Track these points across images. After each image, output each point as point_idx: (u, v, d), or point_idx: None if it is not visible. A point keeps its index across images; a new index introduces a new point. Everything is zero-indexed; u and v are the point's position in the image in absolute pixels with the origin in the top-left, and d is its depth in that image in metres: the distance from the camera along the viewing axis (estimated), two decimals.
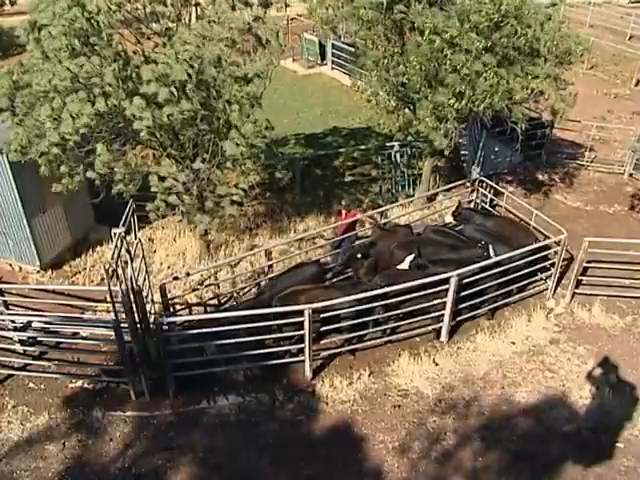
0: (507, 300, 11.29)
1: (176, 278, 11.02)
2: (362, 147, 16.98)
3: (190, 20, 10.57)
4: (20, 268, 12.24)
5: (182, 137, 10.21)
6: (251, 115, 9.57)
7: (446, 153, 12.78)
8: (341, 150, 17.07)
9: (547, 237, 11.65)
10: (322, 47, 24.67)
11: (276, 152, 10.58)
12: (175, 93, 8.96)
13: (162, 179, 10.27)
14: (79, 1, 9.33)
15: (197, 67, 9.10)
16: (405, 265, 10.80)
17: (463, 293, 10.29)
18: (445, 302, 10.07)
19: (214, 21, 9.62)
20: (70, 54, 9.27)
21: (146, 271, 10.84)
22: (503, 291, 11.03)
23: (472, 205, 13.66)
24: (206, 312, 11.03)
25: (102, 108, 9.08)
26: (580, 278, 11.42)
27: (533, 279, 11.74)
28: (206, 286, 11.43)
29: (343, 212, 12.30)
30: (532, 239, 11.63)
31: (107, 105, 9.08)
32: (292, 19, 25.42)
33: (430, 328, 10.58)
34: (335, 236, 12.34)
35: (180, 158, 10.64)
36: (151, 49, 10.47)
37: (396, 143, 15.35)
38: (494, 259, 10.54)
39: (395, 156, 15.53)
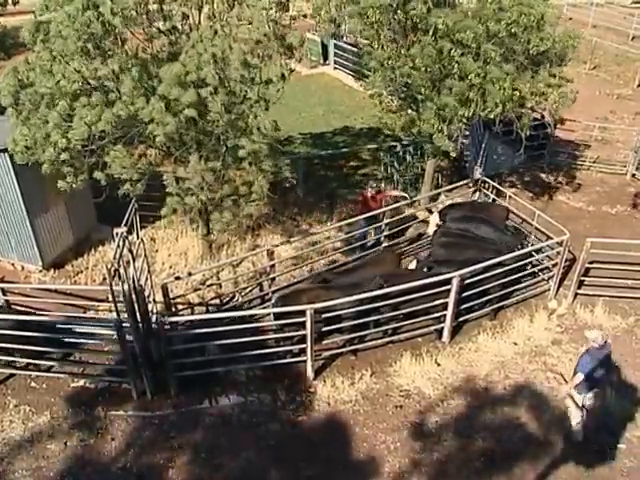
0: (509, 300, 11.28)
1: (178, 278, 11.03)
2: (364, 147, 16.97)
3: (200, 19, 10.50)
4: (22, 267, 12.25)
5: (185, 137, 10.16)
6: (260, 116, 9.51)
7: (453, 155, 12.76)
8: (344, 150, 17.07)
9: (549, 237, 11.64)
10: (324, 47, 24.70)
11: (281, 151, 10.50)
12: (202, 96, 8.88)
13: (177, 180, 10.12)
14: (94, 3, 9.23)
15: (223, 69, 9.03)
16: (412, 265, 10.89)
17: (465, 293, 10.30)
18: (447, 303, 10.07)
19: (240, 20, 9.53)
20: (83, 57, 9.20)
21: (148, 271, 10.85)
22: (505, 291, 11.05)
23: None
24: (208, 312, 11.04)
25: (124, 114, 9.00)
26: (582, 279, 11.40)
27: (535, 280, 11.75)
28: (208, 286, 11.44)
29: (368, 192, 12.53)
30: (505, 211, 12.55)
31: (129, 110, 8.99)
32: (294, 19, 25.40)
33: (432, 328, 10.58)
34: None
35: (183, 158, 10.58)
36: (159, 48, 10.42)
37: (398, 143, 15.33)
38: (496, 259, 10.52)
39: (397, 156, 15.50)
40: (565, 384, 9.02)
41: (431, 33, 11.00)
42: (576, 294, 11.43)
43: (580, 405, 8.55)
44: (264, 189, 10.13)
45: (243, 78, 9.25)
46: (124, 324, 8.86)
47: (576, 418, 8.65)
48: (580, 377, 8.27)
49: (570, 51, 11.39)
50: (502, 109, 11.04)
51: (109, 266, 8.36)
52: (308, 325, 9.15)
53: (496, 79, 10.67)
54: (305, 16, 23.79)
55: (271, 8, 9.65)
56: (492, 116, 11.24)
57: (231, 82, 9.18)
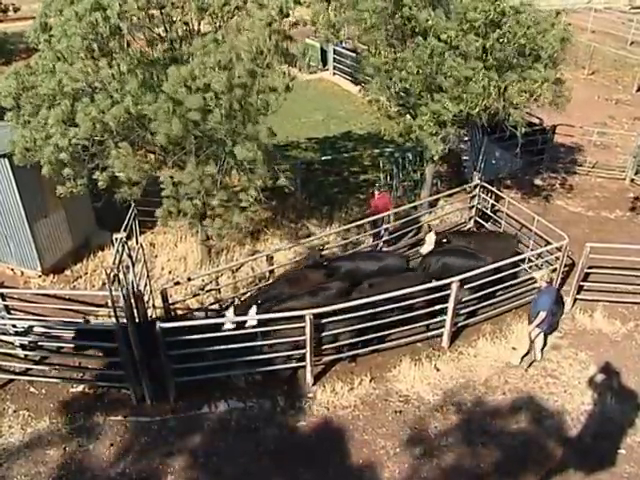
0: (508, 306, 11.28)
1: (177, 283, 11.03)
2: (364, 152, 17.00)
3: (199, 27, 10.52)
4: (22, 273, 12.25)
5: (185, 141, 10.13)
6: (258, 123, 9.51)
7: (436, 157, 12.64)
8: (343, 155, 17.11)
9: (549, 242, 11.65)
10: (324, 52, 24.77)
11: (281, 157, 10.47)
12: (210, 102, 8.86)
13: (174, 184, 10.08)
14: (101, 4, 9.24)
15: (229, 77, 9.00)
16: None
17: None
18: (446, 307, 10.08)
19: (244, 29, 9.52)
20: (87, 57, 9.21)
21: (147, 276, 10.87)
22: (504, 297, 11.06)
23: (473, 210, 13.68)
24: (207, 317, 11.03)
25: (133, 110, 8.96)
26: (582, 284, 11.40)
27: (534, 285, 11.75)
28: (207, 291, 11.44)
29: (376, 193, 13.32)
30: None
31: (137, 108, 8.96)
32: (293, 24, 25.46)
33: (431, 333, 10.56)
34: (371, 216, 13.08)
35: (181, 163, 10.57)
36: (160, 53, 10.43)
37: (397, 149, 15.35)
38: (493, 265, 10.53)
39: (396, 162, 15.52)
40: (530, 324, 9.94)
41: (421, 33, 11.03)
42: (575, 299, 11.43)
43: (533, 338, 9.95)
44: (254, 197, 10.10)
45: (246, 86, 9.23)
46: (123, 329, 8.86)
47: (538, 347, 10.05)
48: (543, 315, 9.60)
49: (557, 52, 11.41)
50: (484, 103, 11.06)
51: (108, 271, 8.36)
52: (307, 331, 9.15)
53: (469, 76, 10.72)
54: (305, 24, 23.88)
55: (275, 20, 9.66)
56: (478, 111, 11.24)
57: (235, 89, 9.15)
